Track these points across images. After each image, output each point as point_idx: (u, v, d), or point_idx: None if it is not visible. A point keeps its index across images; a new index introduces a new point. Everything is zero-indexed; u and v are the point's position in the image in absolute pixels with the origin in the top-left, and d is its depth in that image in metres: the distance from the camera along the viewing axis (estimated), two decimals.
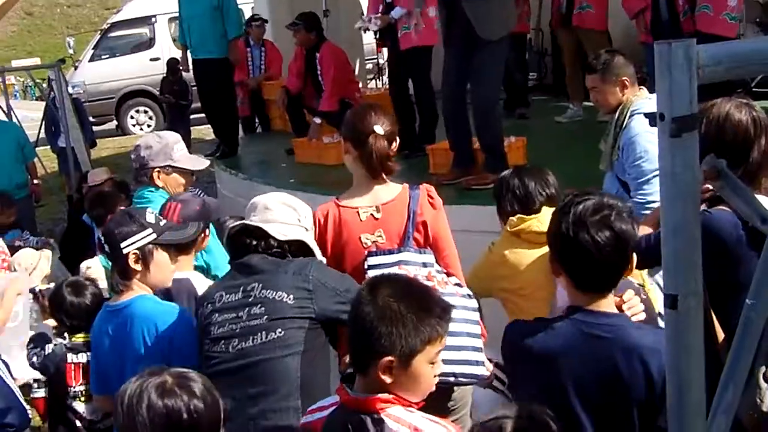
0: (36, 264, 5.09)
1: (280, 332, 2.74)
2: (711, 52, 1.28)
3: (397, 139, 3.33)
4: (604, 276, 2.27)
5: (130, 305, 2.98)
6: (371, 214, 3.27)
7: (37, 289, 4.54)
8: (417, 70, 6.92)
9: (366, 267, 3.21)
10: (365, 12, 13.70)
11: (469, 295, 3.33)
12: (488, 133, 5.64)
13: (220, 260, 3.65)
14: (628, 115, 4.02)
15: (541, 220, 3.51)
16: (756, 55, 1.33)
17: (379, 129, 3.23)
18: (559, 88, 9.14)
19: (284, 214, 3.01)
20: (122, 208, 5.77)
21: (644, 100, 4.04)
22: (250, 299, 2.81)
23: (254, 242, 2.94)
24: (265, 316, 2.77)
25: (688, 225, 1.30)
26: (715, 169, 1.35)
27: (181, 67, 9.88)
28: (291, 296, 2.78)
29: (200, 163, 4.15)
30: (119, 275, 3.00)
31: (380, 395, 2.08)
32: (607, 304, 2.29)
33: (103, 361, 3.07)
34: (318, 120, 7.69)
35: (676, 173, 1.27)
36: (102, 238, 3.06)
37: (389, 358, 2.04)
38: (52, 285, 5.01)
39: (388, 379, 2.06)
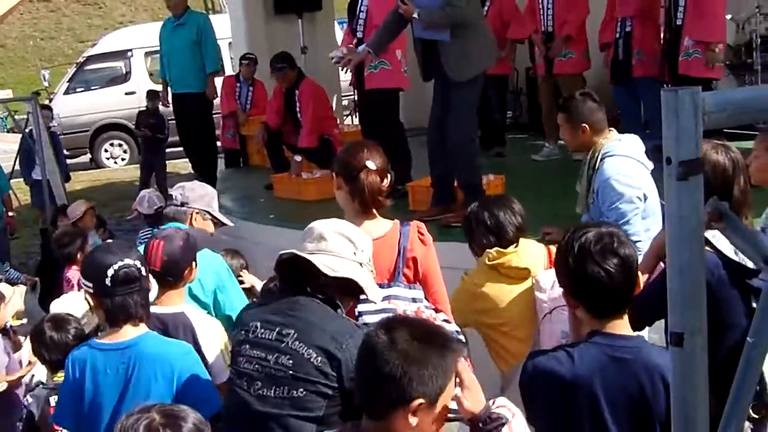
0: (9, 299, 5.03)
1: (302, 392, 2.62)
2: (716, 99, 1.34)
3: (390, 175, 3.37)
4: (618, 300, 2.38)
5: (138, 344, 2.87)
6: None
7: (8, 325, 4.51)
8: (383, 110, 6.92)
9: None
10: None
11: (457, 332, 3.37)
12: (464, 171, 5.68)
13: (237, 301, 3.71)
14: (600, 158, 4.06)
15: (521, 254, 3.57)
16: (758, 103, 1.39)
17: (371, 164, 3.27)
18: (534, 126, 9.26)
19: (339, 245, 2.79)
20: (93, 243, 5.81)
21: (614, 143, 4.09)
22: (282, 345, 2.67)
23: (304, 277, 2.76)
24: (291, 371, 2.64)
25: (694, 265, 1.35)
26: (718, 210, 1.40)
27: (160, 101, 9.90)
28: (320, 359, 2.63)
29: (230, 220, 4.60)
30: (118, 313, 2.86)
31: None
32: (624, 326, 2.40)
33: (88, 401, 2.88)
34: (298, 158, 7.72)
35: (683, 216, 1.32)
36: (88, 275, 2.89)
37: (420, 401, 1.95)
38: (24, 321, 4.99)
39: (414, 422, 1.96)
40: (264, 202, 7.79)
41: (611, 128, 4.22)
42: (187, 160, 9.99)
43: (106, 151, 17.08)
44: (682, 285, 1.35)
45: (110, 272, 2.81)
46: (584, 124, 4.13)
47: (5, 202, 8.25)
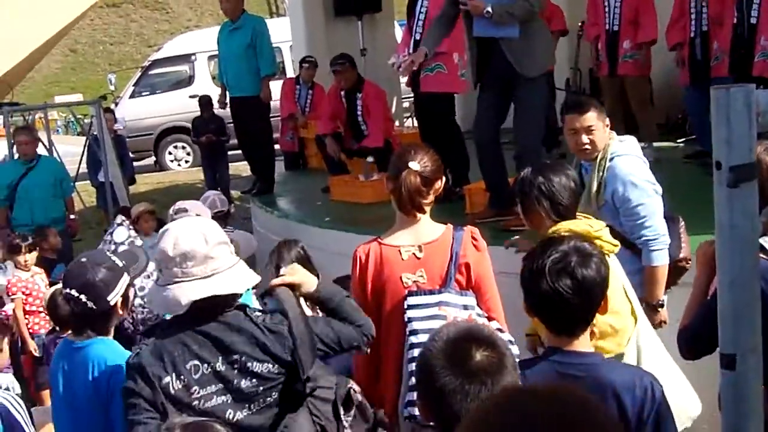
0: None
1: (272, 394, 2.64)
2: None
3: (441, 179, 3.28)
4: (571, 320, 2.35)
5: (91, 345, 2.96)
6: (413, 254, 3.24)
7: None
8: (438, 113, 6.76)
9: (406, 306, 3.19)
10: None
11: (510, 341, 3.27)
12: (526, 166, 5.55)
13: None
14: (608, 158, 3.95)
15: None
16: None
17: (414, 165, 3.20)
18: None
19: (223, 255, 2.60)
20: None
21: (618, 143, 4.01)
22: (234, 372, 2.58)
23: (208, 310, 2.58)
24: (260, 387, 2.61)
25: (746, 278, 1.23)
26: None
27: (217, 104, 9.96)
28: (274, 366, 2.61)
29: None
30: (99, 324, 2.96)
31: None
32: (583, 344, 2.37)
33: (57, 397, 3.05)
34: (371, 158, 7.62)
35: (735, 225, 1.21)
36: (77, 297, 2.91)
37: None
38: None
39: None
40: (320, 205, 7.77)
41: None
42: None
43: (170, 153, 17.33)
44: (733, 300, 1.24)
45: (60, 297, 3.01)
46: (607, 120, 4.03)
47: (68, 205, 8.36)
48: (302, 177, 9.86)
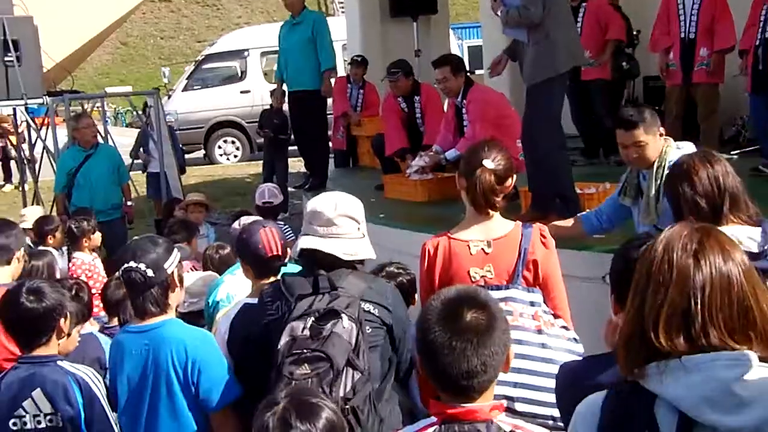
0: None
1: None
2: None
3: (513, 177, 3.32)
4: None
5: (158, 328, 3.04)
6: (482, 249, 3.26)
7: None
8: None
9: None
10: (453, 50, 13.81)
11: (575, 339, 3.29)
12: (544, 179, 5.42)
13: None
14: (667, 165, 3.93)
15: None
16: None
17: (488, 163, 3.23)
18: None
19: (347, 227, 2.99)
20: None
21: (675, 150, 4.00)
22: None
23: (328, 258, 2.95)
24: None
25: None
26: None
27: (275, 100, 10.05)
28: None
29: None
30: (159, 296, 3.04)
31: (488, 403, 2.03)
32: None
33: (124, 379, 3.09)
34: (438, 147, 7.55)
35: None
36: (134, 267, 3.02)
37: (510, 346, 2.06)
38: None
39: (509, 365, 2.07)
40: (374, 201, 7.81)
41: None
42: None
43: (219, 147, 17.54)
44: None
45: (118, 273, 3.08)
46: (661, 128, 4.04)
47: (124, 192, 8.49)
48: (354, 174, 9.91)
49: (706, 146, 6.95)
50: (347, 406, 2.63)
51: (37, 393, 2.99)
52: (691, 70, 7.51)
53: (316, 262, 2.93)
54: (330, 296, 2.80)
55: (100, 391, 3.08)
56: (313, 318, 2.75)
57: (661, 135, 4.06)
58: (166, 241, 3.16)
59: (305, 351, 2.70)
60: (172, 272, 3.05)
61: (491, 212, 3.30)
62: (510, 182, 3.31)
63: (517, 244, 3.25)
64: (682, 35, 7.53)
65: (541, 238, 3.29)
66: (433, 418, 2.02)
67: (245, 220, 4.44)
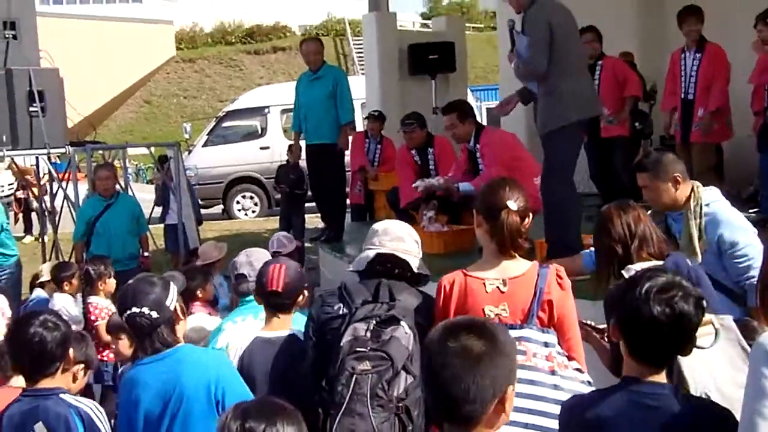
0: None
1: None
2: None
3: (530, 215, 3.32)
4: (659, 351, 2.39)
5: (175, 353, 3.04)
6: (497, 287, 3.25)
7: None
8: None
9: None
10: (475, 107, 13.95)
11: (588, 382, 3.25)
12: (555, 227, 5.49)
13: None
14: (704, 205, 4.11)
15: None
16: None
17: (512, 204, 3.23)
18: None
19: (412, 245, 3.44)
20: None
21: (708, 191, 4.19)
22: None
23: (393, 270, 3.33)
24: None
25: None
26: None
27: (291, 155, 10.14)
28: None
29: None
30: (167, 334, 3.05)
31: None
32: (662, 377, 2.41)
33: (141, 411, 3.05)
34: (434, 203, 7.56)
35: None
36: (138, 312, 3.03)
37: (511, 386, 2.00)
38: None
39: (509, 408, 2.00)
40: None
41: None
42: None
43: (237, 203, 17.66)
44: None
45: (124, 317, 3.09)
46: (676, 174, 4.15)
47: (142, 243, 8.53)
48: (370, 227, 9.90)
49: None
50: (401, 405, 2.90)
51: (39, 426, 2.99)
52: (689, 129, 7.59)
53: (379, 273, 3.27)
54: (388, 305, 3.07)
55: (102, 424, 3.07)
56: (375, 321, 3.02)
57: (677, 182, 4.11)
58: (161, 278, 3.18)
59: (368, 350, 2.97)
60: (175, 307, 3.07)
61: (514, 253, 3.31)
62: (528, 221, 3.32)
63: (533, 284, 3.23)
64: (683, 95, 7.66)
65: (558, 278, 3.27)
66: None
67: (252, 252, 4.39)
